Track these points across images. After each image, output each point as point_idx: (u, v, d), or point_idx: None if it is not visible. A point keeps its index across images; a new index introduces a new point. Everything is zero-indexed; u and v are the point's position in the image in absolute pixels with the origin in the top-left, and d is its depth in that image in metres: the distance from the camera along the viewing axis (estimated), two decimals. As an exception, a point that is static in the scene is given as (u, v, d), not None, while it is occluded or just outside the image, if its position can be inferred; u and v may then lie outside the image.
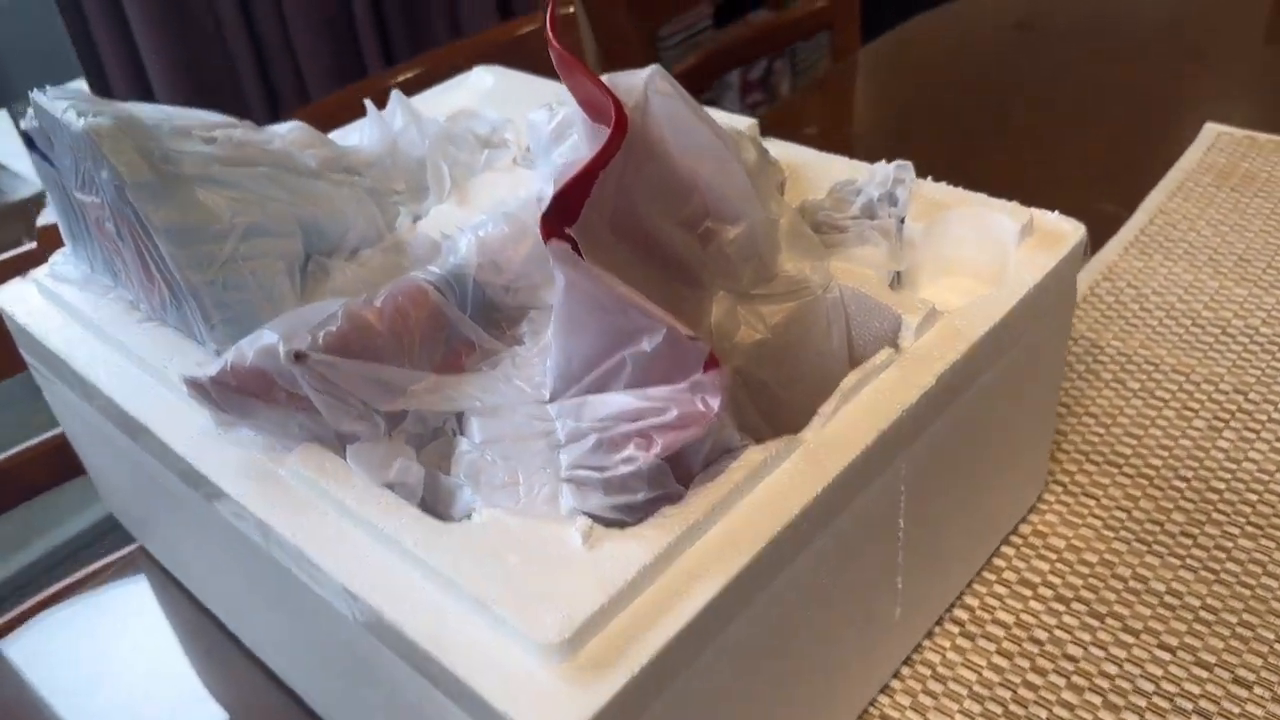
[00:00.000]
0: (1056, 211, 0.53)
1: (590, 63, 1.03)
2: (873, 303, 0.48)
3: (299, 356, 0.42)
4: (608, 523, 0.39)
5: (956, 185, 0.55)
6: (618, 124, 0.41)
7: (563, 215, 0.40)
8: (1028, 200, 0.54)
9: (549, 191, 0.53)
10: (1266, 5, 1.21)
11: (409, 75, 0.95)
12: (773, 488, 0.40)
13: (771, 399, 0.47)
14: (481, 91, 0.74)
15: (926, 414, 0.45)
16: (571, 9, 0.96)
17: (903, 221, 0.53)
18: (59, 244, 0.60)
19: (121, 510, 0.69)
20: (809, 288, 0.49)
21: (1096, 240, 0.76)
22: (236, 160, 0.51)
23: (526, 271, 0.52)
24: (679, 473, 0.40)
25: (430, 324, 0.47)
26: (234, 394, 0.43)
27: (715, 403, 0.37)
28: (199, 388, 0.44)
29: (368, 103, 0.63)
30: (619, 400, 0.40)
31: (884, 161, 0.59)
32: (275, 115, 1.45)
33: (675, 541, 0.37)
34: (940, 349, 0.46)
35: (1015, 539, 0.60)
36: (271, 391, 0.43)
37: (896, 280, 0.53)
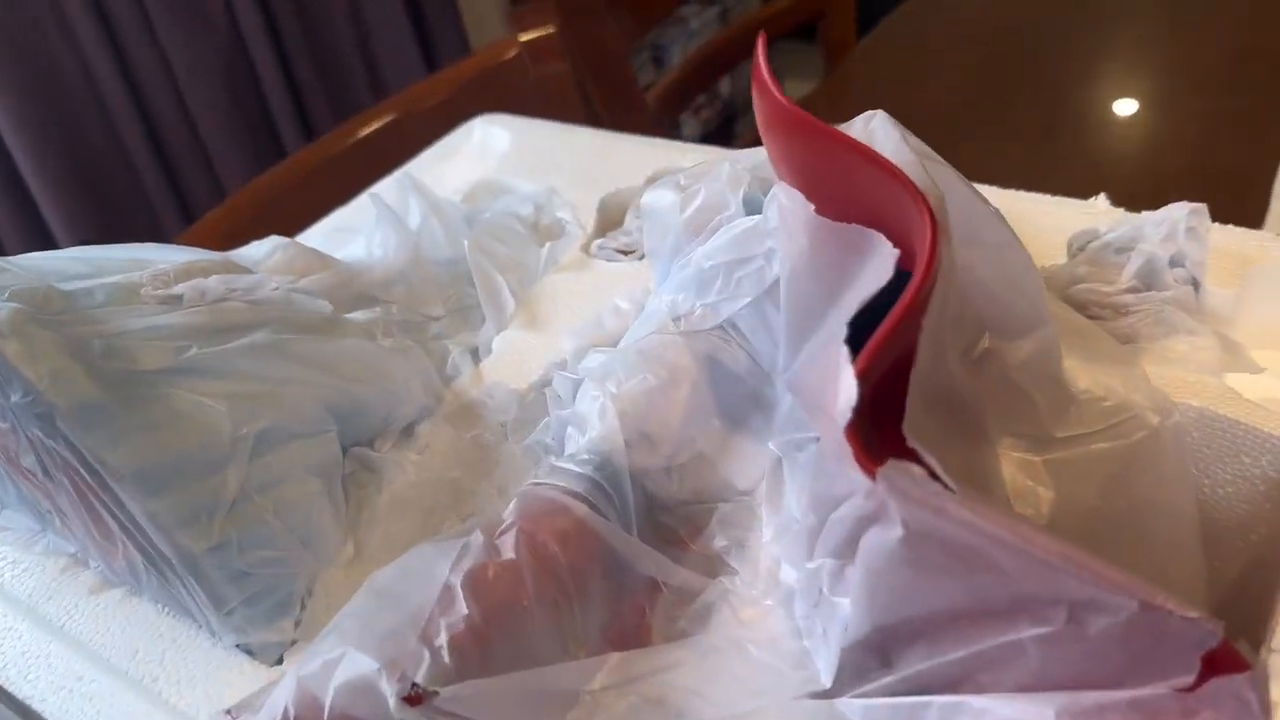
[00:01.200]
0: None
1: (575, 94, 0.85)
2: (1238, 429, 0.32)
3: (421, 696, 0.24)
4: None
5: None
6: (934, 240, 0.24)
7: (879, 403, 0.23)
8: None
9: (694, 300, 0.36)
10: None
11: (369, 130, 0.75)
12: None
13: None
14: (496, 155, 0.56)
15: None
16: (553, 29, 0.79)
17: (1198, 287, 0.37)
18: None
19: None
20: (1137, 417, 0.32)
21: None
22: (220, 329, 0.32)
23: (689, 436, 0.34)
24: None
25: (593, 570, 0.29)
26: (304, 765, 0.25)
27: (1251, 732, 0.21)
28: (236, 754, 0.26)
29: (374, 198, 0.44)
30: (1021, 713, 0.22)
31: (1104, 197, 0.43)
32: (188, 222, 1.18)
33: None
34: (1383, 496, 0.30)
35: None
36: (368, 750, 0.25)
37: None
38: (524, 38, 0.79)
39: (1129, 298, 0.37)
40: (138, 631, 0.33)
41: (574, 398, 0.35)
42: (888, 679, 0.25)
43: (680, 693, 0.27)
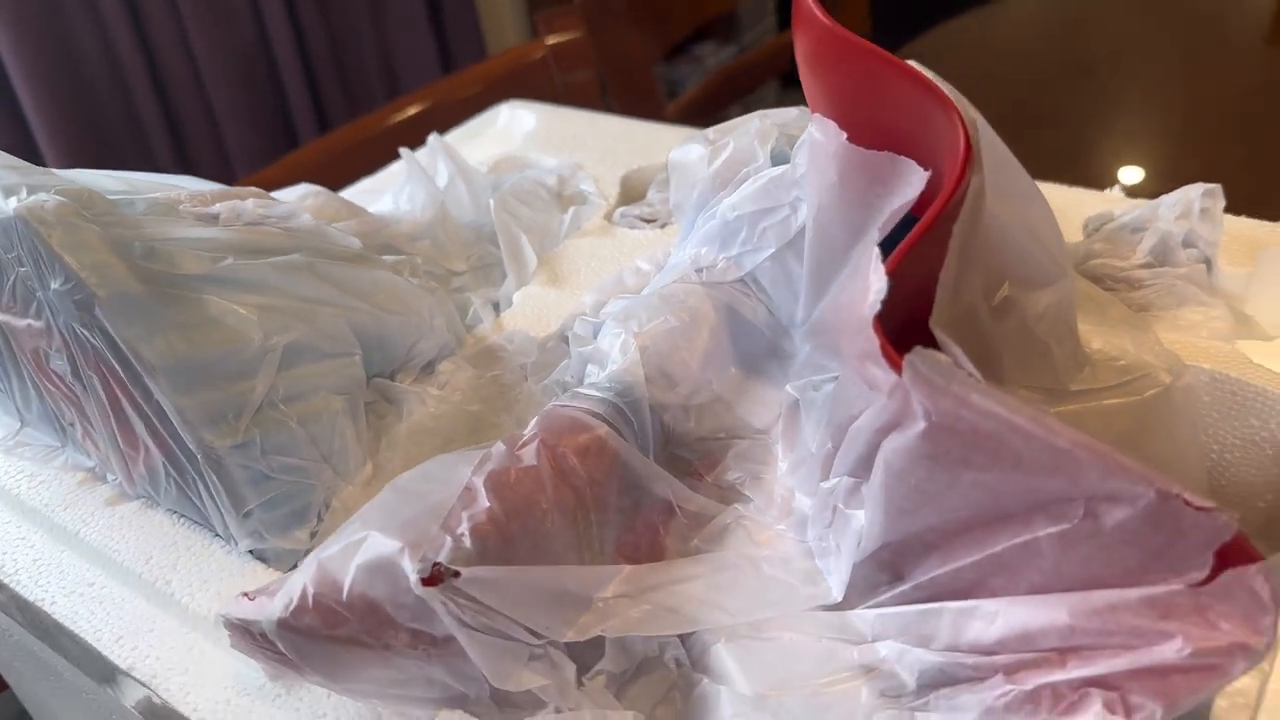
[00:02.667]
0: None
1: (600, 104, 0.86)
2: (1247, 390, 0.33)
3: (440, 575, 0.24)
4: (1053, 844, 0.22)
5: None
6: (968, 148, 0.24)
7: (899, 298, 0.23)
8: None
9: (717, 254, 0.37)
10: None
11: (391, 122, 0.76)
12: (1293, 738, 0.24)
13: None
14: (522, 134, 0.57)
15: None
16: (577, 34, 0.80)
17: (1210, 266, 0.38)
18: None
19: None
20: (1150, 376, 0.33)
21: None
22: (255, 247, 0.33)
23: (707, 379, 0.35)
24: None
25: (611, 485, 0.29)
26: (321, 644, 0.25)
27: (1263, 624, 0.21)
28: (250, 637, 0.26)
29: (406, 154, 0.45)
30: (1034, 615, 0.23)
31: (1119, 188, 0.44)
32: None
33: None
34: (1391, 458, 0.30)
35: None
36: (386, 634, 0.25)
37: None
38: (551, 41, 0.80)
39: (1143, 272, 0.38)
40: (152, 539, 0.33)
41: (595, 338, 0.36)
42: (900, 588, 0.25)
43: (693, 603, 0.27)
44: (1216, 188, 0.38)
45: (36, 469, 0.37)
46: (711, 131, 0.38)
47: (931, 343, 0.23)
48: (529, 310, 0.42)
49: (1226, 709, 0.24)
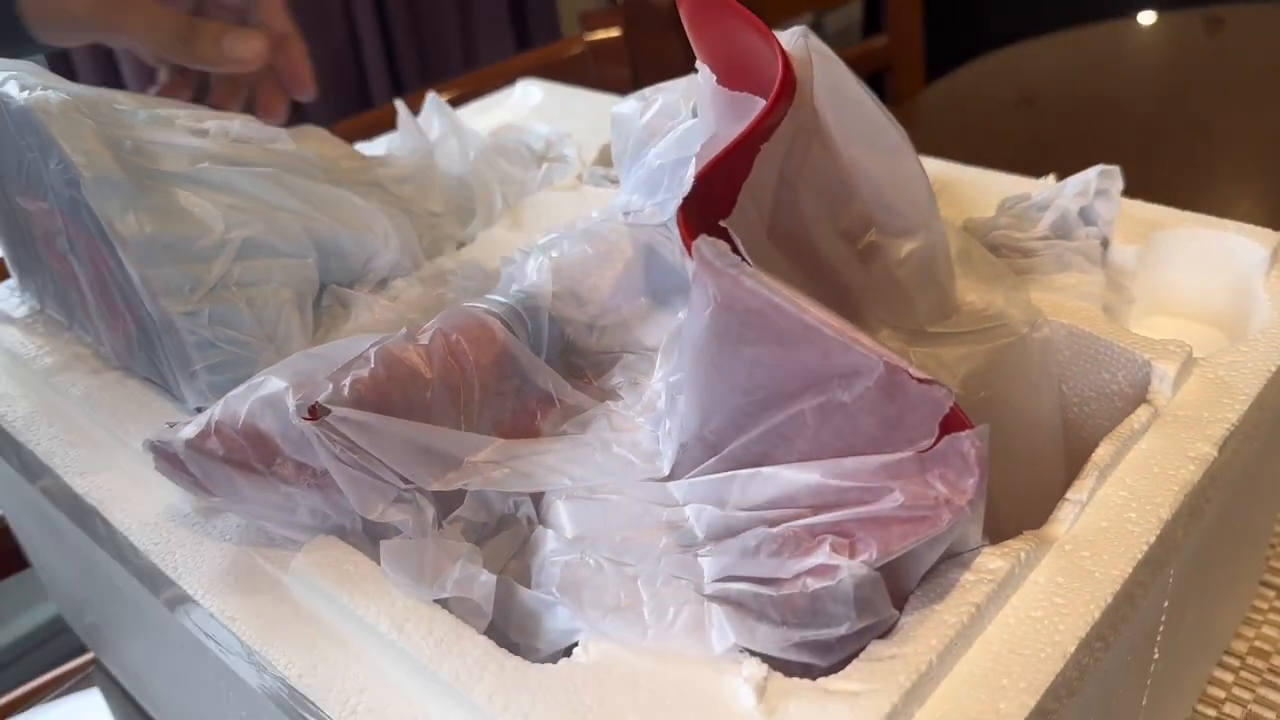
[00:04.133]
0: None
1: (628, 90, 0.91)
2: (1100, 345, 0.35)
3: (315, 412, 0.29)
4: (786, 668, 0.25)
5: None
6: (785, 79, 0.28)
7: (710, 203, 0.27)
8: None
9: (644, 200, 0.41)
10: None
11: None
12: (1027, 613, 0.27)
13: (967, 477, 0.34)
14: (529, 106, 0.62)
15: (1204, 497, 0.31)
16: (617, 32, 0.85)
17: (1107, 244, 0.41)
18: (4, 276, 0.47)
19: (73, 614, 0.54)
20: (1008, 325, 0.36)
21: None
22: (233, 159, 0.39)
23: (615, 304, 0.39)
24: (888, 589, 0.26)
25: (495, 371, 0.34)
26: (220, 465, 0.30)
27: (966, 483, 0.24)
28: (169, 456, 0.31)
29: (400, 106, 0.50)
30: (797, 477, 0.26)
31: (1053, 177, 0.47)
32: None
33: (900, 703, 0.24)
34: (1211, 409, 0.33)
35: (1230, 659, 0.46)
36: (273, 462, 0.30)
37: (1100, 320, 0.40)
38: (590, 38, 0.86)
39: (1038, 244, 0.41)
40: (121, 400, 0.38)
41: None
42: (709, 462, 0.29)
43: (545, 470, 0.31)
44: (1115, 169, 0.41)
45: (45, 341, 0.43)
46: (647, 90, 0.42)
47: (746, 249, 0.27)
48: (487, 247, 0.46)
49: (973, 581, 0.27)
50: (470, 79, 0.84)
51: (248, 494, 0.31)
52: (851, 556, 0.25)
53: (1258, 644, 0.47)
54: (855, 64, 1.22)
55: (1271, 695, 0.44)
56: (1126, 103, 1.05)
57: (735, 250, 0.26)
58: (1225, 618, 0.44)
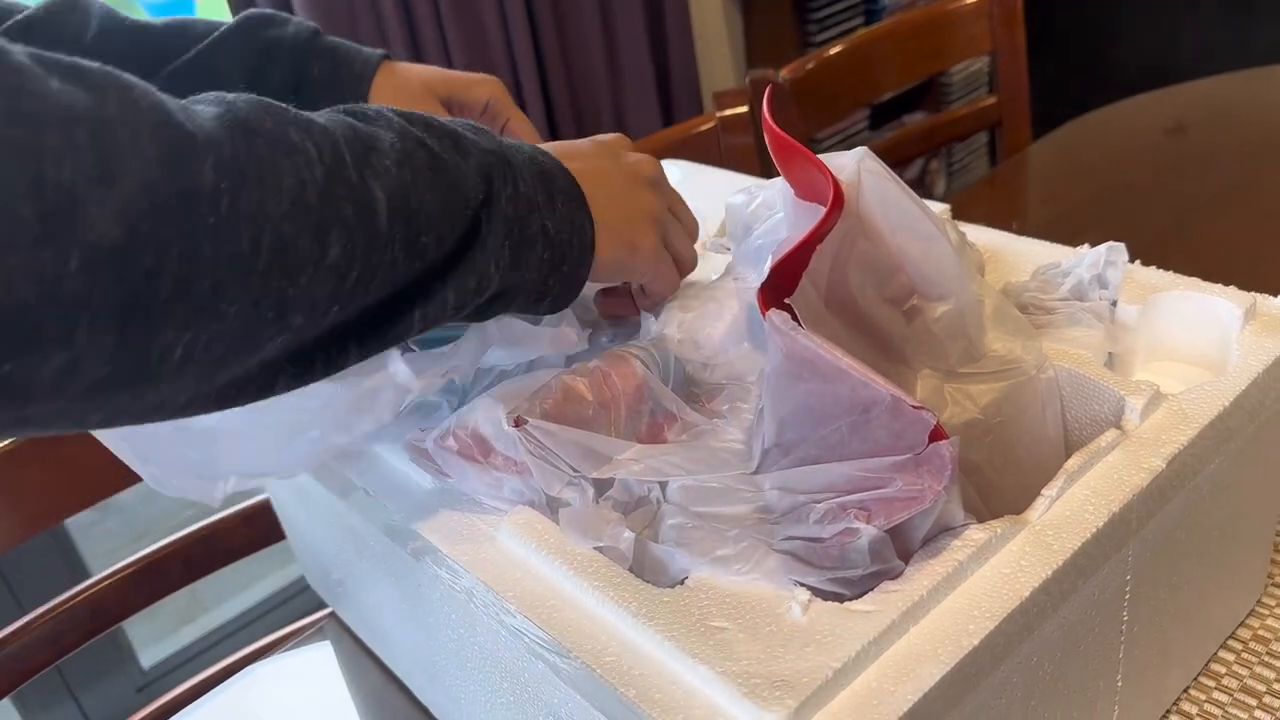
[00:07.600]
0: (1281, 296, 0.51)
1: (755, 162, 1.05)
2: (1091, 384, 0.47)
3: (519, 422, 0.44)
4: (825, 596, 0.38)
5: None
6: (835, 200, 0.42)
7: (780, 286, 0.41)
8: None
9: (749, 270, 0.54)
10: None
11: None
12: (998, 569, 0.39)
13: (983, 483, 0.46)
14: (671, 182, 0.77)
15: (1156, 499, 0.42)
16: (745, 109, 0.99)
17: (1115, 304, 0.52)
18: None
19: (316, 573, 0.71)
20: (1021, 367, 0.48)
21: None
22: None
23: (724, 349, 0.52)
24: (898, 549, 0.39)
25: (635, 395, 0.48)
26: (454, 457, 0.45)
27: (943, 476, 0.37)
28: (420, 451, 0.46)
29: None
30: (836, 471, 0.39)
31: (1087, 245, 0.58)
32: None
33: (899, 619, 0.36)
34: (1168, 433, 0.44)
35: (1234, 643, 0.56)
36: (490, 456, 0.45)
37: (1109, 364, 0.51)
38: (720, 114, 1.00)
39: (1058, 304, 0.52)
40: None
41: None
42: (781, 461, 0.42)
43: (669, 466, 0.45)
44: (1120, 245, 0.52)
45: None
46: (753, 187, 0.56)
47: (805, 315, 0.40)
48: (632, 301, 0.60)
49: (960, 546, 0.39)
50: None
51: (471, 477, 0.45)
52: (868, 523, 0.37)
53: (1261, 632, 0.56)
54: (959, 123, 1.32)
55: (1266, 673, 0.54)
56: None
57: (795, 319, 0.39)
58: (1224, 606, 0.54)
